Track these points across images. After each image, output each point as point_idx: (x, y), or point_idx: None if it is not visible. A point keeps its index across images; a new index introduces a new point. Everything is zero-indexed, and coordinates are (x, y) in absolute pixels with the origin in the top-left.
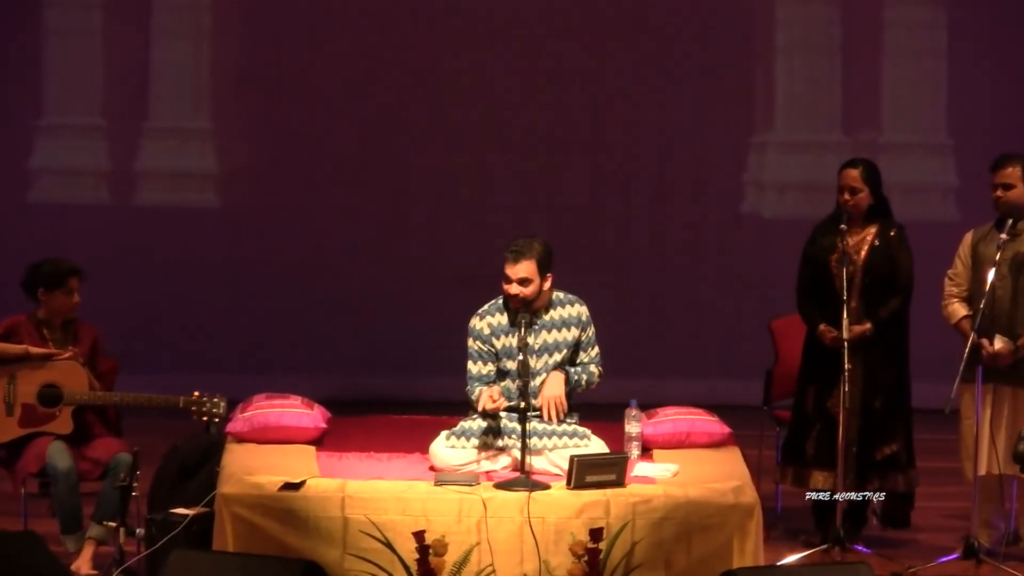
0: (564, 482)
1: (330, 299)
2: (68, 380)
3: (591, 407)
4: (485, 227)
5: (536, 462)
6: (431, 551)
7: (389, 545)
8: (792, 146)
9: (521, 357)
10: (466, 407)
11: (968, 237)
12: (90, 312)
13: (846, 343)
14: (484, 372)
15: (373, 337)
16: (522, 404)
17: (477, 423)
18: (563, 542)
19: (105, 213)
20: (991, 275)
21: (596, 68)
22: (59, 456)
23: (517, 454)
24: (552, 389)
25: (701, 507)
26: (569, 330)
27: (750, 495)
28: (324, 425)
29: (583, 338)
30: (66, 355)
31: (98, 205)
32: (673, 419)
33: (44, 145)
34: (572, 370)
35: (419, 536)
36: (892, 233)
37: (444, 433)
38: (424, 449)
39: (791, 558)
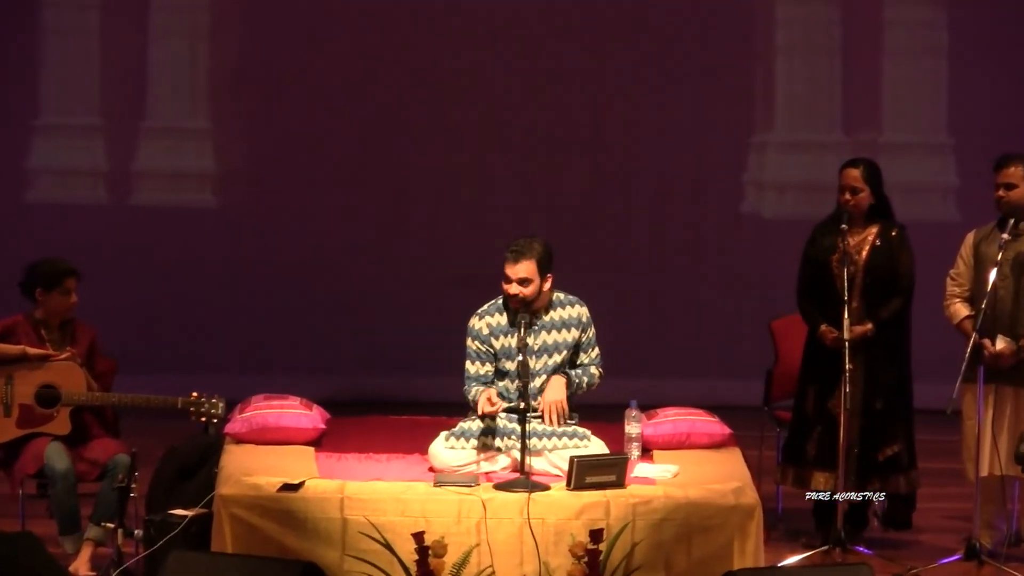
0: (564, 483)
1: (329, 299)
2: (66, 381)
3: (591, 408)
4: (485, 227)
5: (536, 463)
6: (430, 552)
7: (388, 546)
8: (792, 146)
9: (520, 358)
10: (465, 408)
11: (970, 237)
12: (88, 312)
13: (847, 343)
14: (482, 372)
15: (372, 337)
16: (521, 405)
17: (476, 424)
18: (563, 543)
19: (103, 213)
20: (993, 275)
21: (596, 68)
22: (57, 457)
23: (517, 455)
24: (553, 393)
25: (701, 508)
26: (569, 331)
27: (750, 496)
28: (323, 426)
29: (583, 339)
30: (64, 356)
31: (96, 205)
32: (673, 420)
33: (42, 145)
34: (573, 373)
35: (418, 537)
36: (893, 233)
37: (443, 434)
38: (423, 450)
39: (792, 559)
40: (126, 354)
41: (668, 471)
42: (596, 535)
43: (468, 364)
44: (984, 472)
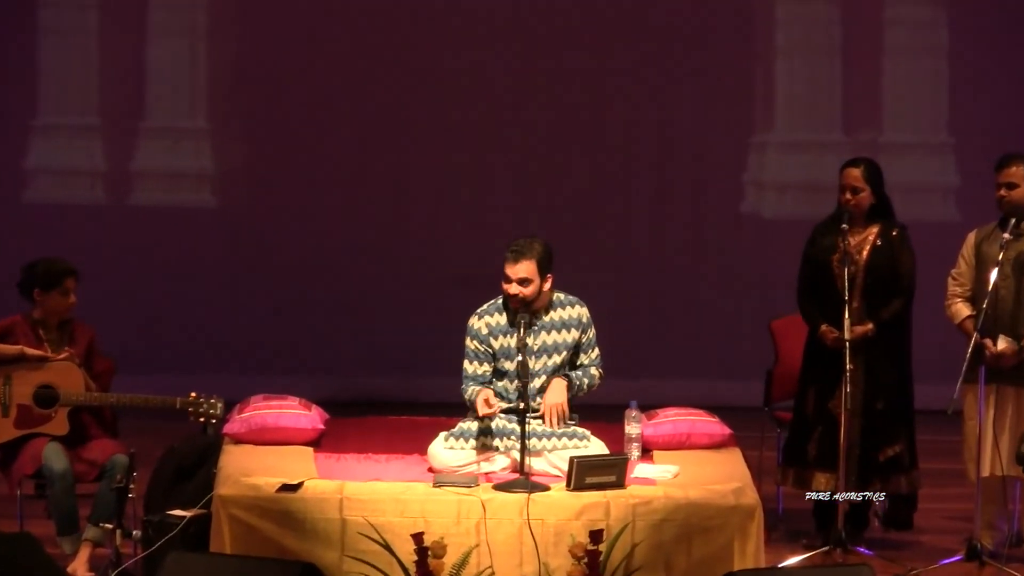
0: (564, 483)
1: (328, 299)
2: (64, 381)
3: (591, 408)
4: (485, 227)
5: (535, 463)
6: (430, 553)
7: (387, 547)
8: (792, 146)
9: (520, 358)
10: (465, 408)
11: (971, 237)
12: (86, 312)
13: (847, 344)
14: (479, 372)
15: (372, 337)
16: (521, 406)
17: (476, 424)
18: (563, 544)
19: (101, 213)
20: (994, 275)
21: (596, 68)
22: (55, 457)
23: (516, 455)
24: (555, 396)
25: (702, 509)
26: (569, 332)
27: (751, 497)
28: (322, 426)
29: (583, 340)
30: (62, 356)
31: (94, 205)
32: (673, 420)
33: (40, 145)
34: (574, 375)
35: (418, 538)
36: (894, 233)
37: (443, 434)
38: (423, 450)
39: (792, 560)
40: (125, 354)
41: (668, 472)
42: (596, 536)
43: (466, 363)
44: (985, 472)
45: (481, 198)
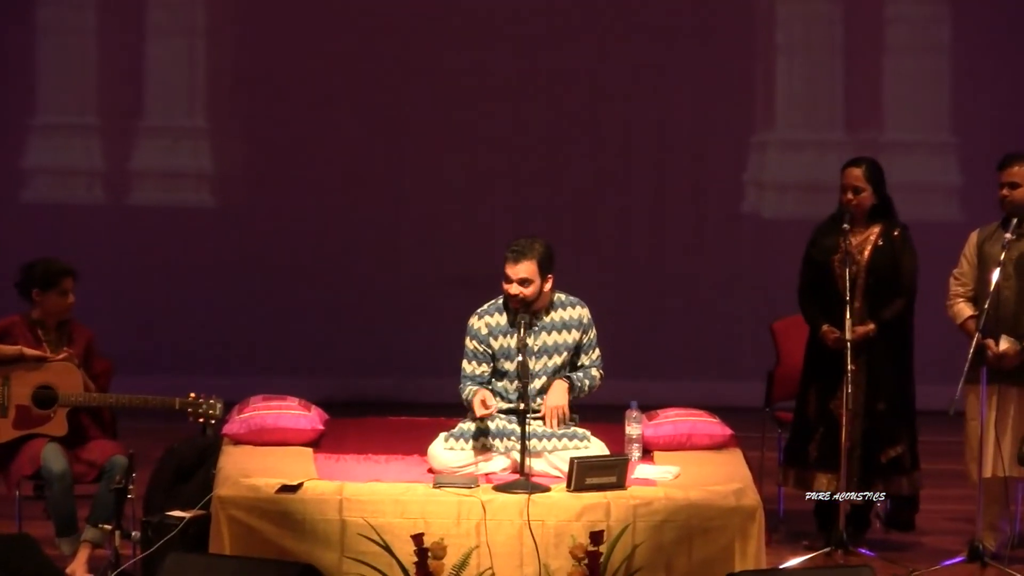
0: (564, 484)
1: (328, 299)
2: (63, 382)
3: (591, 409)
4: (485, 227)
5: (536, 464)
6: (430, 554)
7: (387, 548)
8: (793, 145)
9: (520, 359)
10: (465, 409)
11: (974, 236)
12: (85, 313)
13: (849, 344)
14: (478, 372)
15: (371, 338)
16: (521, 406)
17: (476, 425)
18: (563, 545)
19: (100, 213)
20: (996, 275)
21: (595, 68)
22: (54, 458)
23: (516, 456)
24: (556, 398)
25: (702, 510)
26: (570, 332)
27: (752, 498)
28: (321, 427)
29: (584, 341)
30: (61, 356)
31: (93, 205)
32: (674, 421)
33: (38, 144)
34: (576, 377)
35: (418, 539)
36: (896, 233)
37: (443, 435)
38: (422, 451)
39: (793, 561)
40: (123, 355)
41: (669, 472)
42: (596, 537)
43: (465, 363)
44: (987, 473)
45: (481, 198)
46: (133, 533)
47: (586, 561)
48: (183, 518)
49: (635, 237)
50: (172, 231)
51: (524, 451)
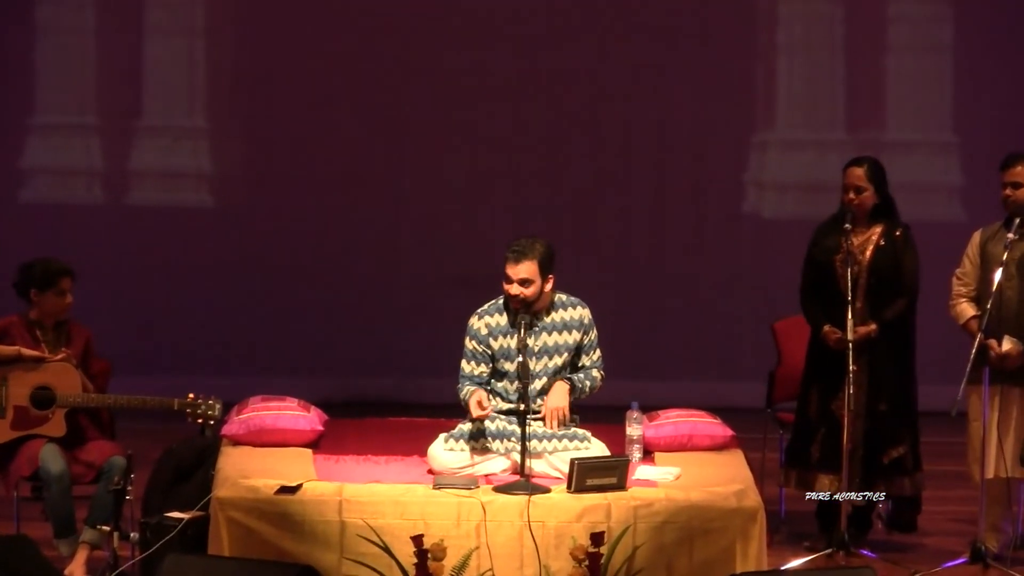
0: (564, 485)
1: (327, 300)
2: (61, 382)
3: (592, 409)
4: (484, 227)
5: (536, 465)
6: (430, 555)
7: (387, 549)
8: (793, 145)
9: (520, 359)
10: (464, 410)
11: (976, 236)
12: (84, 312)
13: (851, 344)
14: (476, 372)
15: (371, 338)
16: (521, 407)
17: (476, 426)
18: (563, 546)
19: (99, 213)
20: (998, 275)
21: (595, 68)
22: (52, 459)
23: (516, 457)
24: (557, 400)
25: (703, 511)
26: (570, 333)
27: (753, 499)
28: (321, 428)
29: (585, 341)
30: (59, 357)
31: (91, 205)
32: (675, 421)
33: (37, 144)
34: (577, 378)
35: (417, 540)
36: (898, 233)
37: (442, 436)
38: (422, 452)
39: (795, 562)
40: (122, 355)
41: (670, 473)
42: (597, 538)
43: (464, 363)
44: (990, 474)
45: (481, 198)
46: (132, 534)
47: (587, 562)
48: (182, 519)
49: (635, 237)
50: (171, 231)
51: (524, 452)
